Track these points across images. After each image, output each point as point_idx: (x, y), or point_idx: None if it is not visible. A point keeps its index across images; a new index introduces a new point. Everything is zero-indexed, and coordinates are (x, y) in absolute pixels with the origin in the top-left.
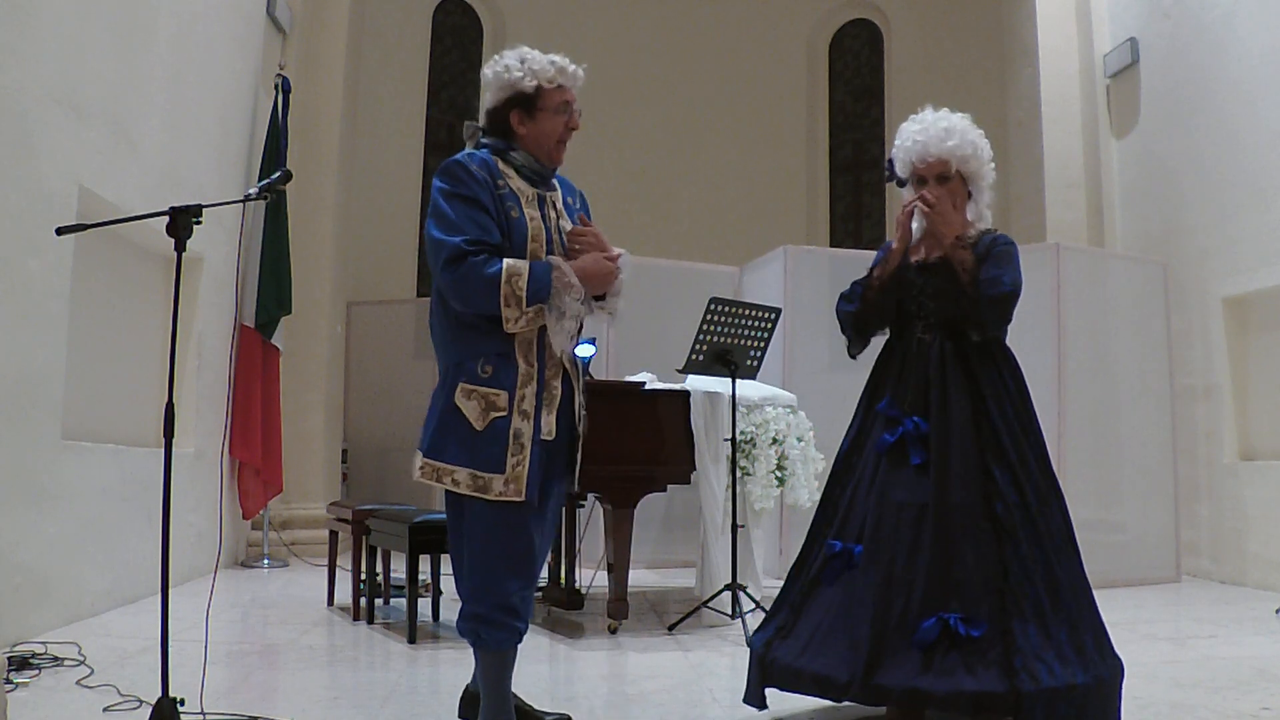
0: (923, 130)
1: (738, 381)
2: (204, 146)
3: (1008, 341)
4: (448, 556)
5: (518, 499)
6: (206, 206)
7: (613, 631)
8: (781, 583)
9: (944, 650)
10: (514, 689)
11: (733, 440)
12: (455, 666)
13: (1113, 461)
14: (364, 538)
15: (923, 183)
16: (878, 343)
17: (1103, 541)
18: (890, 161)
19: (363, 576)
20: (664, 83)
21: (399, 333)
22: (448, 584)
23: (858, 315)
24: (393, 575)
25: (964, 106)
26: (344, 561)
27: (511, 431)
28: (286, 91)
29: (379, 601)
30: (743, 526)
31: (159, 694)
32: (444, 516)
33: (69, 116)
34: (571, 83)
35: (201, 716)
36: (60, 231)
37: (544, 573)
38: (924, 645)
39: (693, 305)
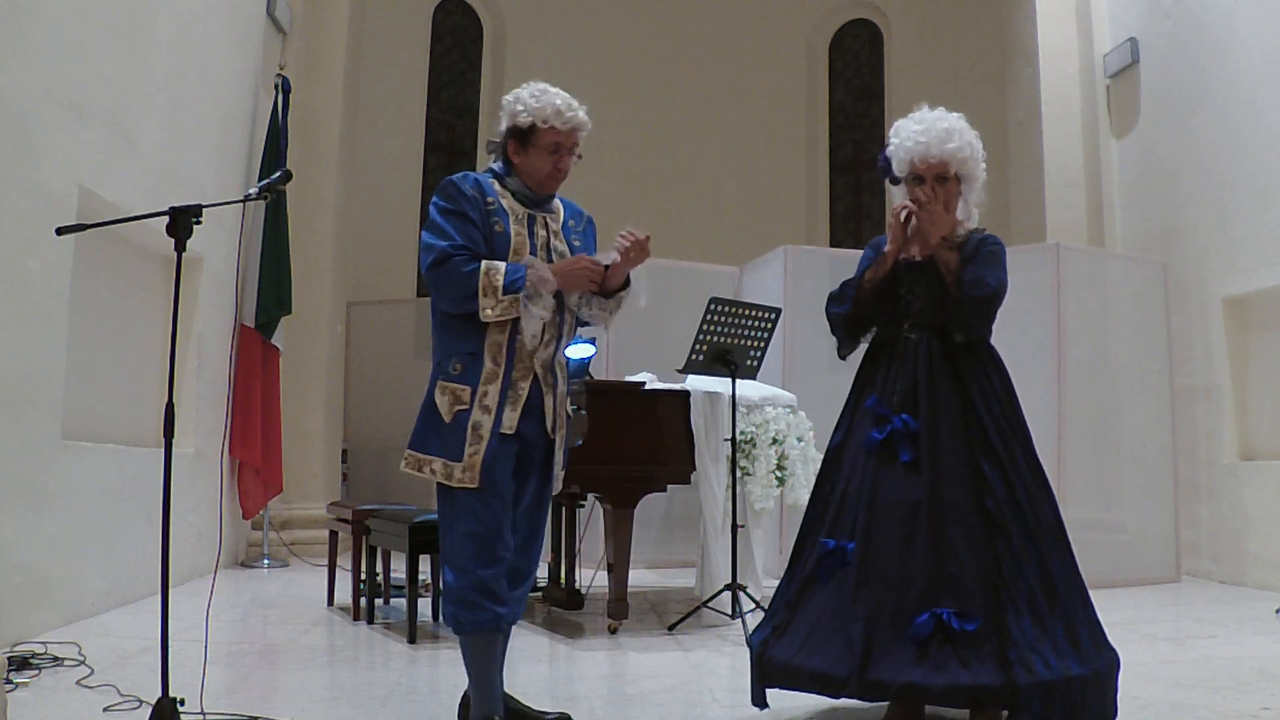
0: (925, 131)
1: (738, 381)
2: (204, 146)
3: (999, 341)
4: None
5: (472, 485)
6: (206, 206)
7: (613, 631)
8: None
9: (939, 645)
10: (511, 690)
11: (733, 440)
12: (455, 666)
13: (1113, 461)
14: (364, 538)
15: (919, 181)
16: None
17: (1103, 541)
18: (885, 158)
19: (363, 576)
20: (664, 83)
21: (399, 333)
22: None
23: (848, 317)
24: (393, 575)
25: (964, 106)
26: (344, 561)
27: (471, 423)
28: (286, 91)
29: (379, 601)
30: (743, 526)
31: (159, 694)
32: None
33: (69, 116)
34: (564, 125)
35: (201, 716)
36: (60, 231)
37: (544, 572)
38: (918, 640)
39: (693, 305)
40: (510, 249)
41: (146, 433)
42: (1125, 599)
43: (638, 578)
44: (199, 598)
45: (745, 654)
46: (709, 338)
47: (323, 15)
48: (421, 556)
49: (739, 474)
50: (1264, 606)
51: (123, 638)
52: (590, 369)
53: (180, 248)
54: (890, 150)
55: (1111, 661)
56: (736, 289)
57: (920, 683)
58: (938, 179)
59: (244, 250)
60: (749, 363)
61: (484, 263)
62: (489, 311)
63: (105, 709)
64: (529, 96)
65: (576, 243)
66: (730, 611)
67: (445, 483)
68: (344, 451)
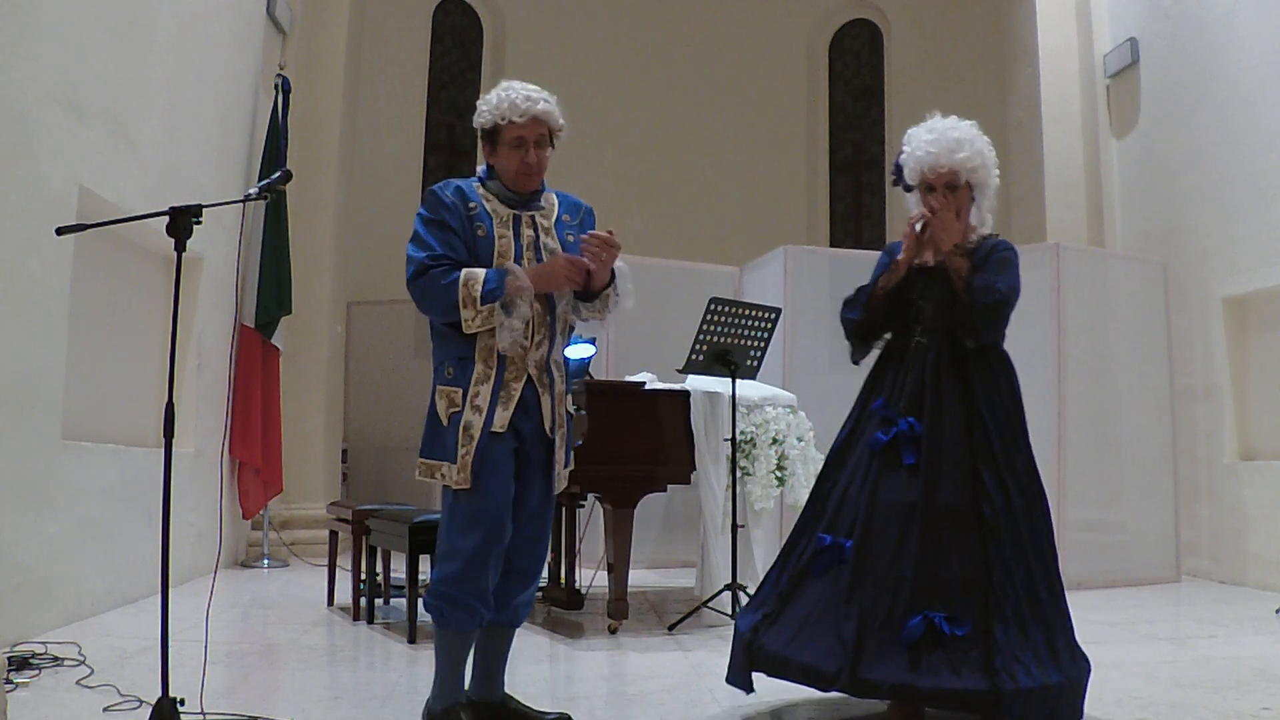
0: (934, 141)
1: (738, 381)
2: (204, 146)
3: (1008, 346)
4: None
5: (465, 486)
6: (206, 206)
7: (613, 631)
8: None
9: (929, 648)
10: (511, 690)
11: (733, 440)
12: None
13: (1112, 461)
14: (364, 538)
15: (931, 189)
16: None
17: (1103, 541)
18: (898, 166)
19: (363, 576)
20: (664, 83)
21: (399, 333)
22: None
23: (860, 323)
24: (393, 575)
25: (964, 106)
26: (344, 561)
27: (463, 424)
28: (286, 91)
29: (379, 601)
30: (743, 526)
31: (159, 694)
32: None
33: (69, 116)
34: (521, 117)
35: (201, 716)
36: (60, 231)
37: (544, 572)
38: (910, 642)
39: (693, 305)
40: (495, 253)
41: (146, 433)
42: (1125, 599)
43: (638, 578)
44: (199, 598)
45: None
46: (709, 338)
47: (323, 15)
48: (422, 556)
49: (739, 474)
50: (1264, 606)
51: (123, 638)
52: (590, 369)
53: (180, 248)
54: (902, 159)
55: (1084, 669)
56: (736, 289)
57: (912, 684)
58: (948, 187)
59: (244, 250)
60: (749, 363)
61: (463, 273)
62: (470, 323)
63: (105, 709)
64: (491, 96)
65: (570, 238)
66: (730, 611)
67: (446, 484)
68: (344, 451)
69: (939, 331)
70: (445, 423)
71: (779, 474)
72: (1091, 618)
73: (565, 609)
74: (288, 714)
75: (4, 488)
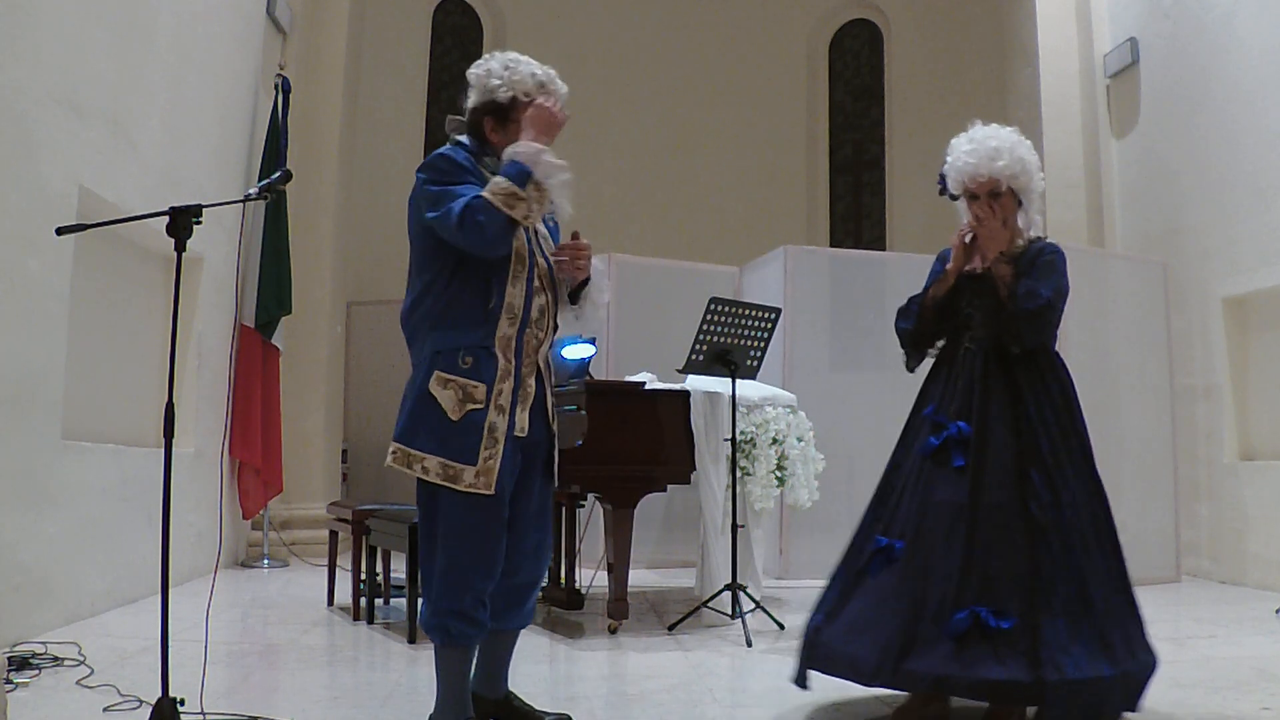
0: (973, 150)
1: (738, 381)
2: (204, 146)
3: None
4: None
5: (487, 492)
6: (206, 206)
7: (613, 631)
8: (781, 582)
9: (974, 641)
10: (512, 689)
11: (733, 440)
12: None
13: (1113, 461)
14: (364, 538)
15: (975, 198)
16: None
17: None
18: (942, 176)
19: (363, 576)
20: (664, 83)
21: (399, 333)
22: None
23: (913, 332)
24: (393, 575)
25: (964, 106)
26: (344, 561)
27: (487, 425)
28: (286, 91)
29: (379, 601)
30: (743, 526)
31: (159, 694)
32: None
33: (69, 116)
34: (547, 100)
35: (201, 716)
36: (60, 231)
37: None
38: (956, 635)
39: (693, 305)
40: None
41: (146, 433)
42: None
43: (638, 578)
44: (199, 598)
45: (745, 654)
46: (709, 338)
47: (323, 15)
48: None
49: (739, 474)
50: (1264, 606)
51: (123, 638)
52: (590, 369)
53: (180, 248)
54: (945, 169)
55: (1145, 665)
56: (736, 289)
57: (952, 675)
58: (991, 195)
59: (244, 250)
60: (749, 363)
61: (484, 190)
62: (526, 213)
63: (105, 709)
64: (504, 69)
65: (552, 223)
66: (730, 611)
67: (448, 485)
68: (344, 451)
69: (987, 338)
70: (455, 417)
71: (779, 474)
72: None
73: (565, 609)
74: (288, 714)
75: (4, 488)
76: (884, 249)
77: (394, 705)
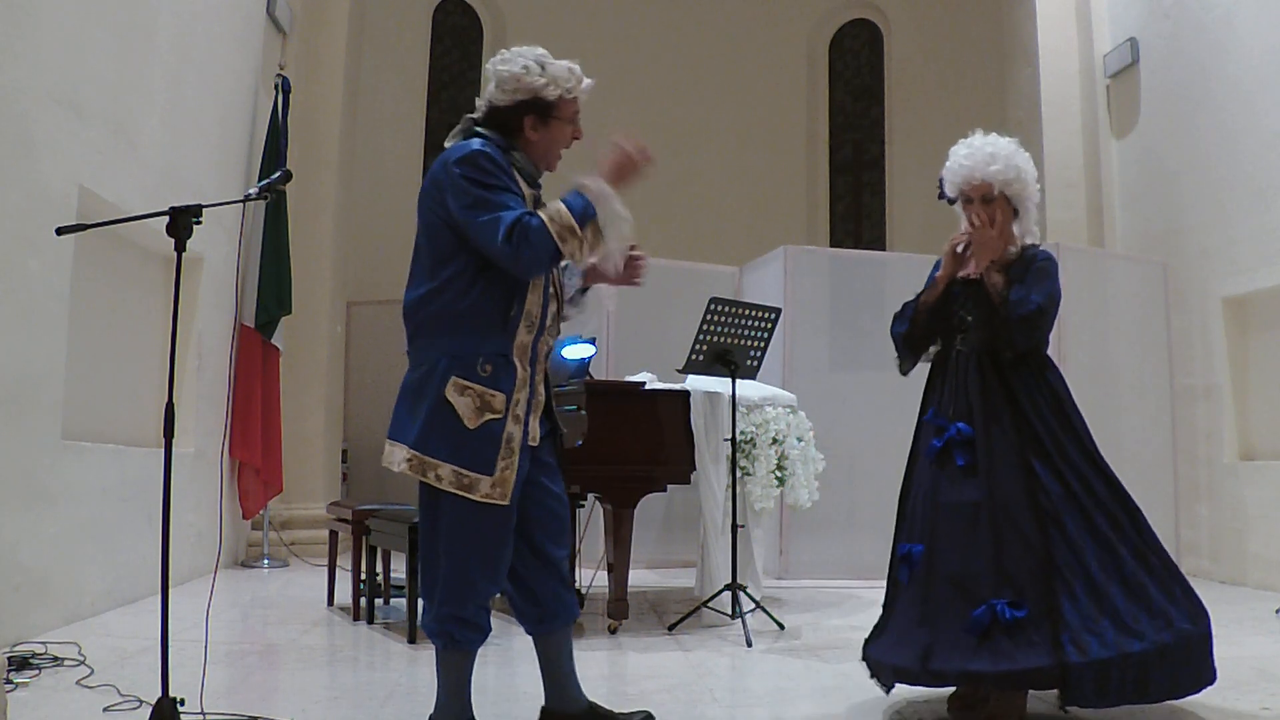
0: (969, 155)
1: (738, 381)
2: (204, 146)
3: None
4: None
5: (503, 502)
6: (206, 206)
7: (613, 631)
8: (781, 582)
9: (995, 634)
10: (512, 689)
11: (733, 440)
12: None
13: (1113, 461)
14: (364, 538)
15: (970, 202)
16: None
17: None
18: (941, 181)
19: (363, 576)
20: (664, 82)
21: (399, 333)
22: None
23: (907, 336)
24: (393, 575)
25: (964, 106)
26: (344, 561)
27: (505, 435)
28: (286, 91)
29: (379, 601)
30: (743, 526)
31: (159, 694)
32: None
33: (69, 116)
34: (584, 92)
35: (201, 716)
36: (60, 231)
37: None
38: (977, 631)
39: (693, 305)
40: None
41: (146, 433)
42: None
43: (638, 578)
44: (199, 598)
45: (745, 654)
46: (709, 338)
47: (323, 15)
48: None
49: (739, 474)
50: (1264, 606)
51: (123, 638)
52: (590, 369)
53: (180, 248)
54: (943, 173)
55: (1182, 633)
56: (736, 289)
57: (976, 670)
58: (983, 200)
59: (244, 250)
60: (749, 363)
61: (541, 213)
62: (578, 254)
63: (105, 709)
64: (540, 66)
65: None
66: (730, 611)
67: (463, 494)
68: (344, 451)
69: (980, 342)
70: (472, 425)
71: (779, 474)
72: None
73: None
74: (288, 714)
75: (4, 488)
76: (884, 249)
77: (394, 705)
